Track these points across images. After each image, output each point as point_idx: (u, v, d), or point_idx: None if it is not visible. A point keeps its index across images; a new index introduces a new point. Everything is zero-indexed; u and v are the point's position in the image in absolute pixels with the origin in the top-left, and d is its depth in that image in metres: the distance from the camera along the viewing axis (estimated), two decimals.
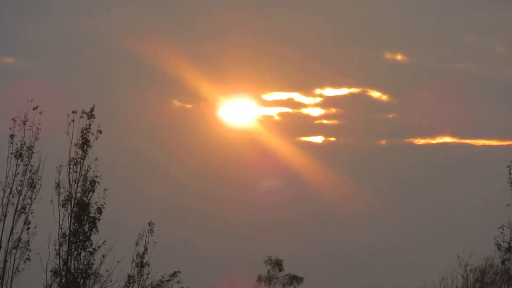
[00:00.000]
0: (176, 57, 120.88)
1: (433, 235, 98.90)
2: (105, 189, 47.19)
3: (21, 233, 46.84)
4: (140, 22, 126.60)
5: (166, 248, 53.08)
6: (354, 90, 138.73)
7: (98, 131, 47.76)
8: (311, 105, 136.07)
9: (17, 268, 46.43)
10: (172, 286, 49.95)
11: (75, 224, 47.85)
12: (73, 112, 47.61)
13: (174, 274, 49.42)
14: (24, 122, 47.28)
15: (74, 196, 47.87)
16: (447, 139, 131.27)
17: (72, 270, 47.99)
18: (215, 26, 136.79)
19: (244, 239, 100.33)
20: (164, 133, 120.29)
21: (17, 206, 46.58)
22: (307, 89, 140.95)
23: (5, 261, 46.22)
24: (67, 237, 47.69)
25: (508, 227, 55.04)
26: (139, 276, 49.43)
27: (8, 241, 46.82)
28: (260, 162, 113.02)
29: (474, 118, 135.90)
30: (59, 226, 47.49)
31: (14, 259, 46.25)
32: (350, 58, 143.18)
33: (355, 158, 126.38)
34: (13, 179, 47.03)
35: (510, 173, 54.42)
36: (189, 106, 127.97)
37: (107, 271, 47.18)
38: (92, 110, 47.69)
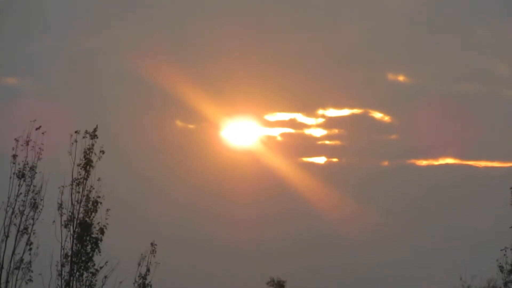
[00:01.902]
0: (179, 77, 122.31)
1: (435, 256, 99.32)
2: (107, 210, 47.34)
3: (23, 254, 46.98)
4: (143, 41, 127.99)
5: (168, 268, 53.10)
6: (356, 111, 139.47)
7: (101, 151, 47.95)
8: (314, 126, 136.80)
9: None
10: None
11: (78, 245, 47.92)
12: (76, 132, 47.84)
13: None
14: (27, 142, 47.36)
15: (76, 217, 47.91)
16: (450, 161, 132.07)
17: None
18: (217, 47, 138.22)
19: (246, 259, 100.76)
20: (167, 153, 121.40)
21: (19, 226, 46.90)
22: (309, 110, 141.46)
23: (7, 281, 46.47)
24: (69, 258, 47.83)
25: (511, 249, 54.60)
26: None
27: (10, 262, 46.91)
28: (263, 183, 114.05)
29: (476, 139, 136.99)
30: (62, 246, 47.69)
31: (16, 280, 46.26)
32: (353, 79, 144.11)
33: (357, 179, 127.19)
34: (16, 200, 47.21)
35: None
36: (192, 126, 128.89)
37: None
38: (95, 130, 47.96)
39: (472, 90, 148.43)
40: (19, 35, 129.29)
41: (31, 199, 47.62)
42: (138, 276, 48.55)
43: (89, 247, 48.08)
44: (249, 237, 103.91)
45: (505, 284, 56.32)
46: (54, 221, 47.76)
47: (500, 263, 55.20)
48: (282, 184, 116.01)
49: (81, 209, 48.20)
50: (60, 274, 47.57)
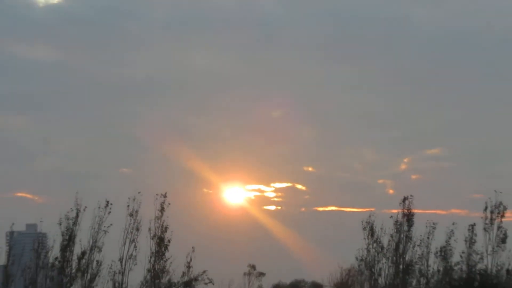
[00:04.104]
0: (204, 166, 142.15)
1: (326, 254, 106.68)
2: (172, 231, 57.16)
3: (132, 252, 56.32)
4: (188, 154, 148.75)
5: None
6: (289, 184, 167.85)
7: (168, 203, 57.30)
8: (269, 191, 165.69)
9: (130, 268, 56.19)
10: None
11: (157, 247, 56.58)
12: (157, 194, 56.99)
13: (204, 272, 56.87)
14: (133, 200, 56.59)
15: (157, 234, 56.88)
16: (333, 208, 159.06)
17: (156, 269, 56.22)
18: (223, 150, 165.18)
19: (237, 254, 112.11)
20: (201, 206, 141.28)
21: (131, 239, 56.75)
22: (266, 183, 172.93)
23: (125, 265, 55.01)
24: (154, 253, 56.50)
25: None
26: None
27: (126, 255, 56.05)
28: (246, 221, 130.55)
29: (344, 198, 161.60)
30: (150, 248, 56.84)
31: (130, 264, 55.52)
32: (287, 170, 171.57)
33: (290, 217, 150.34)
34: (129, 226, 56.83)
35: (362, 224, 62.91)
36: (211, 191, 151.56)
37: (172, 269, 57.10)
38: (165, 194, 57.69)
39: (347, 177, 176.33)
40: None
41: (136, 226, 56.67)
42: (185, 266, 56.95)
43: (163, 248, 56.40)
44: (239, 245, 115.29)
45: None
46: (146, 236, 56.50)
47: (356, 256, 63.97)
48: (255, 220, 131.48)
49: (159, 230, 56.65)
50: (150, 261, 56.42)
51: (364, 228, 61.90)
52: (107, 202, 55.36)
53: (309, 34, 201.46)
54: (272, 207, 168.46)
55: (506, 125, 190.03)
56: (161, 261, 55.34)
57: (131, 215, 56.08)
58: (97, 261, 55.60)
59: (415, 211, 62.01)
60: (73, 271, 55.13)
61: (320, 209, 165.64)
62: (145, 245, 55.80)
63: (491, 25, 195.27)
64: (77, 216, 55.43)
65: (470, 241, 60.95)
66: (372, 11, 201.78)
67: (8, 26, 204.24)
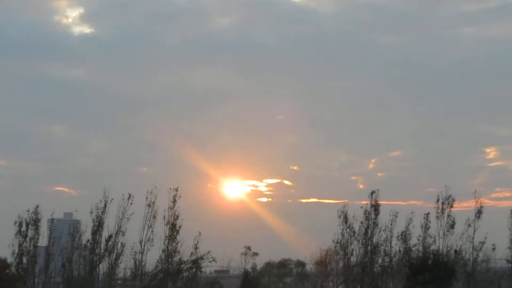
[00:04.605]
0: (208, 165, 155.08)
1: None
2: (182, 219, 64.60)
3: (150, 235, 63.87)
4: (195, 155, 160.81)
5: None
6: (278, 180, 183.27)
7: (179, 196, 64.30)
8: (262, 186, 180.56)
9: (148, 249, 63.57)
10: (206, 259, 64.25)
11: (170, 232, 63.31)
12: (170, 188, 64.40)
13: (208, 253, 63.94)
14: (151, 193, 64.38)
15: (170, 221, 63.50)
16: (314, 199, 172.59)
17: (169, 249, 63.32)
18: (224, 151, 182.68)
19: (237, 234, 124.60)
20: (205, 198, 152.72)
21: (149, 225, 64.05)
22: (260, 179, 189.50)
23: (144, 245, 63.43)
24: (167, 237, 63.60)
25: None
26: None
27: (144, 239, 63.57)
28: (243, 210, 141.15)
29: (326, 191, 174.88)
30: (164, 232, 63.25)
31: (148, 245, 63.23)
32: (277, 168, 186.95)
33: (279, 208, 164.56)
34: (147, 214, 64.13)
35: (338, 213, 70.77)
36: (214, 186, 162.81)
37: (182, 250, 64.70)
38: (177, 188, 64.96)
39: (325, 174, 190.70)
40: None
41: (152, 214, 63.89)
42: (193, 247, 64.25)
43: (175, 233, 63.32)
44: (237, 230, 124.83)
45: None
46: (161, 223, 63.60)
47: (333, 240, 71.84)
48: (250, 210, 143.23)
49: (172, 218, 63.11)
50: (164, 243, 63.91)
51: (339, 216, 69.05)
52: (129, 195, 63.89)
53: (296, 57, 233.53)
54: (264, 199, 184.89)
55: (454, 133, 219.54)
56: (173, 243, 62.37)
57: (149, 205, 63.08)
58: (121, 243, 63.39)
59: (381, 202, 69.20)
60: (102, 251, 63.31)
61: (304, 200, 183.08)
62: (160, 230, 63.27)
63: (442, 51, 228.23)
64: (105, 206, 64.12)
65: (425, 227, 68.19)
66: (346, 38, 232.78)
67: (50, 53, 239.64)
